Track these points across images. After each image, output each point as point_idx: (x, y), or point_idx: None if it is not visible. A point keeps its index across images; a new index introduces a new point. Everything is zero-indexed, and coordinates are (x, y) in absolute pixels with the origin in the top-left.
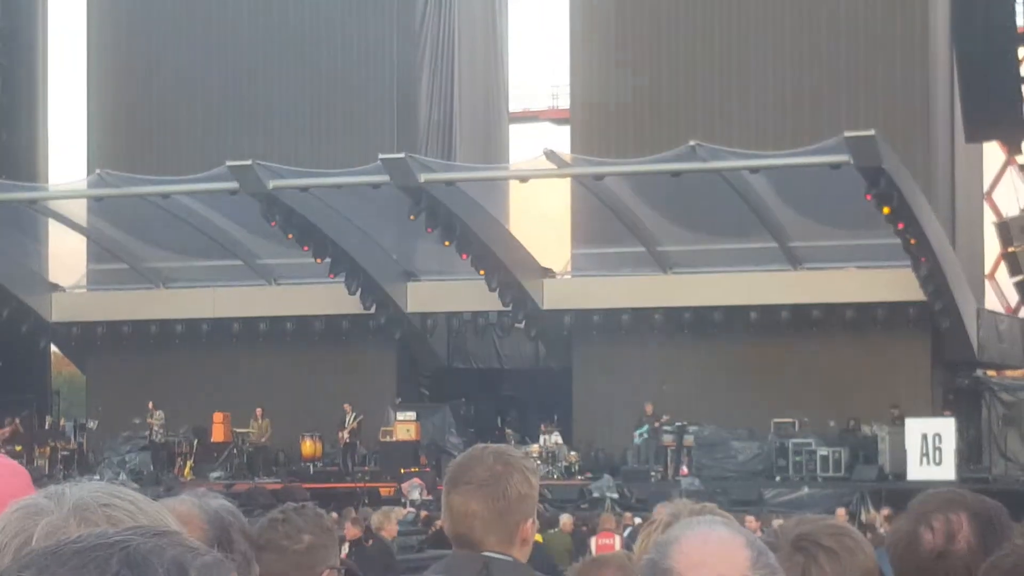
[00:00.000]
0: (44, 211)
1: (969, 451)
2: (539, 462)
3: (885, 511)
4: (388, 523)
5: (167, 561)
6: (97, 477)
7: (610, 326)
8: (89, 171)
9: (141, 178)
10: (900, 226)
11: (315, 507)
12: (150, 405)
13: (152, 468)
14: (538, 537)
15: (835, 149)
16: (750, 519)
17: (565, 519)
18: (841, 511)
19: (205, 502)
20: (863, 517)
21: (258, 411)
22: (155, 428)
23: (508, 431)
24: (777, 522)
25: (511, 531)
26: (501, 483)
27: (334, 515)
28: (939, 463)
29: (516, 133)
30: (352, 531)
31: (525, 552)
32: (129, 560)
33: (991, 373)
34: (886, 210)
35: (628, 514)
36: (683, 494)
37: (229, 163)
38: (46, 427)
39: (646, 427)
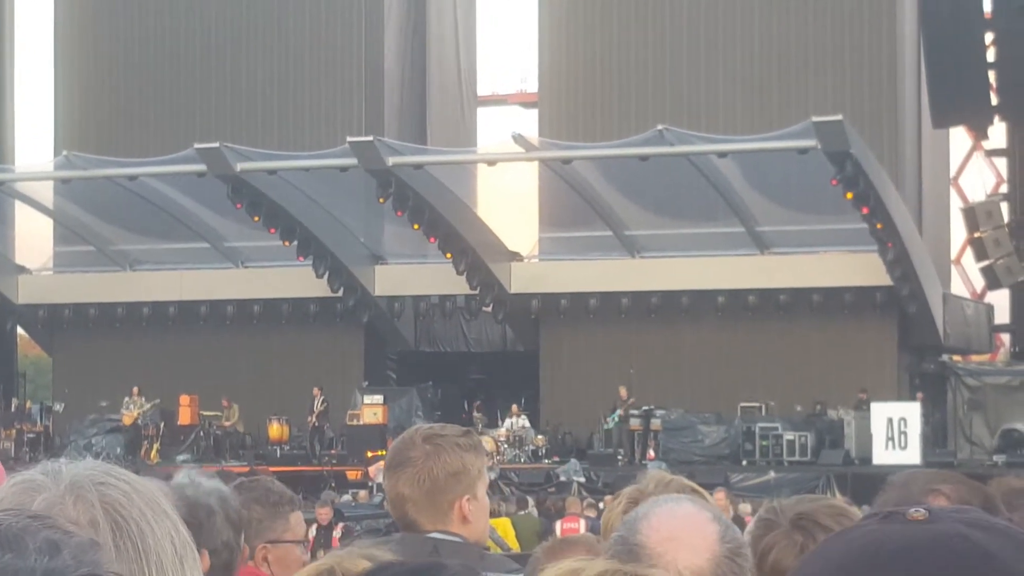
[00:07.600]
0: (11, 193)
1: (935, 435)
2: (506, 446)
3: (842, 498)
4: None
5: (40, 540)
6: (64, 460)
7: (577, 310)
8: (56, 153)
9: (108, 160)
10: (865, 211)
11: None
12: (135, 391)
13: (119, 451)
14: (504, 520)
15: (803, 134)
16: (719, 494)
17: (532, 502)
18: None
19: (197, 482)
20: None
21: (224, 400)
22: (144, 410)
23: (475, 415)
24: (744, 506)
25: (444, 510)
26: (428, 463)
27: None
28: (904, 447)
29: (484, 117)
30: (323, 513)
31: (473, 530)
32: (1, 538)
33: (956, 358)
34: (849, 195)
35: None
36: None
37: (197, 145)
38: (12, 409)
39: (617, 412)
